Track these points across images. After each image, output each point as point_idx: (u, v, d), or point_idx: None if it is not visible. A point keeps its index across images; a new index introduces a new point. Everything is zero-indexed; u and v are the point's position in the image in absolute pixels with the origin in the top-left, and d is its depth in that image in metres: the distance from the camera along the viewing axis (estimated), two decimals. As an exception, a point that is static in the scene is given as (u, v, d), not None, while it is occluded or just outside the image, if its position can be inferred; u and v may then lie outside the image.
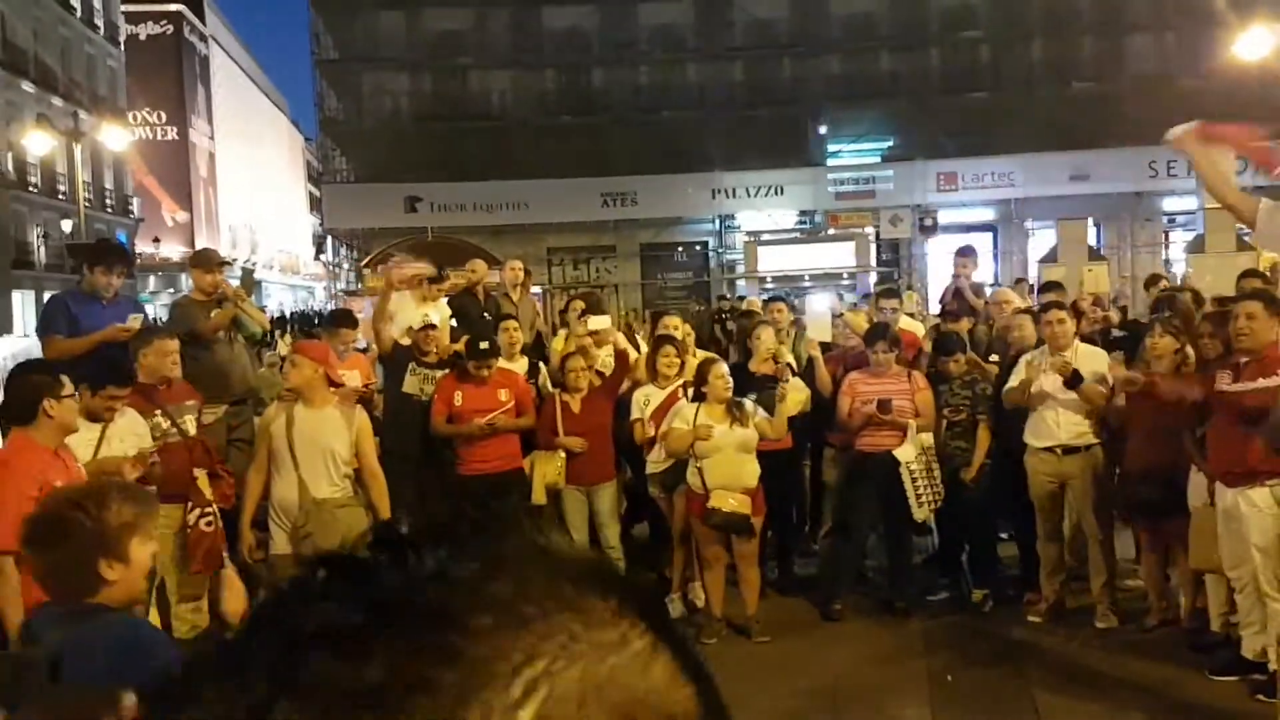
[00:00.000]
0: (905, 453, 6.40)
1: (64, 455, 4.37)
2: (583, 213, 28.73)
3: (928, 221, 27.95)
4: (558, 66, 32.06)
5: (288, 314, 18.63)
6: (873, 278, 24.12)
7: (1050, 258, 17.15)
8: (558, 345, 8.00)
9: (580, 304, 8.19)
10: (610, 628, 0.46)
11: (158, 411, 5.50)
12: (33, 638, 2.57)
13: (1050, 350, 6.46)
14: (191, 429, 5.53)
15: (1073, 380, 6.19)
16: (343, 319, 7.47)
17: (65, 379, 4.36)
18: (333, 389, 5.57)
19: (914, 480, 6.39)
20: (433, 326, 7.38)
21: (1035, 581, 6.74)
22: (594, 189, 28.80)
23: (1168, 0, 28.76)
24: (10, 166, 33.75)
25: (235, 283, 7.02)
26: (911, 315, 9.18)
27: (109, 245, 6.72)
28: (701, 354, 7.15)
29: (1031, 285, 12.68)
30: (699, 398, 6.39)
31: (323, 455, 5.41)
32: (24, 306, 30.94)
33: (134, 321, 5.97)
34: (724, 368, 6.59)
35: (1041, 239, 25.30)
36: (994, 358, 7.16)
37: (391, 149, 30.22)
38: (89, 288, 6.23)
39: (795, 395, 6.89)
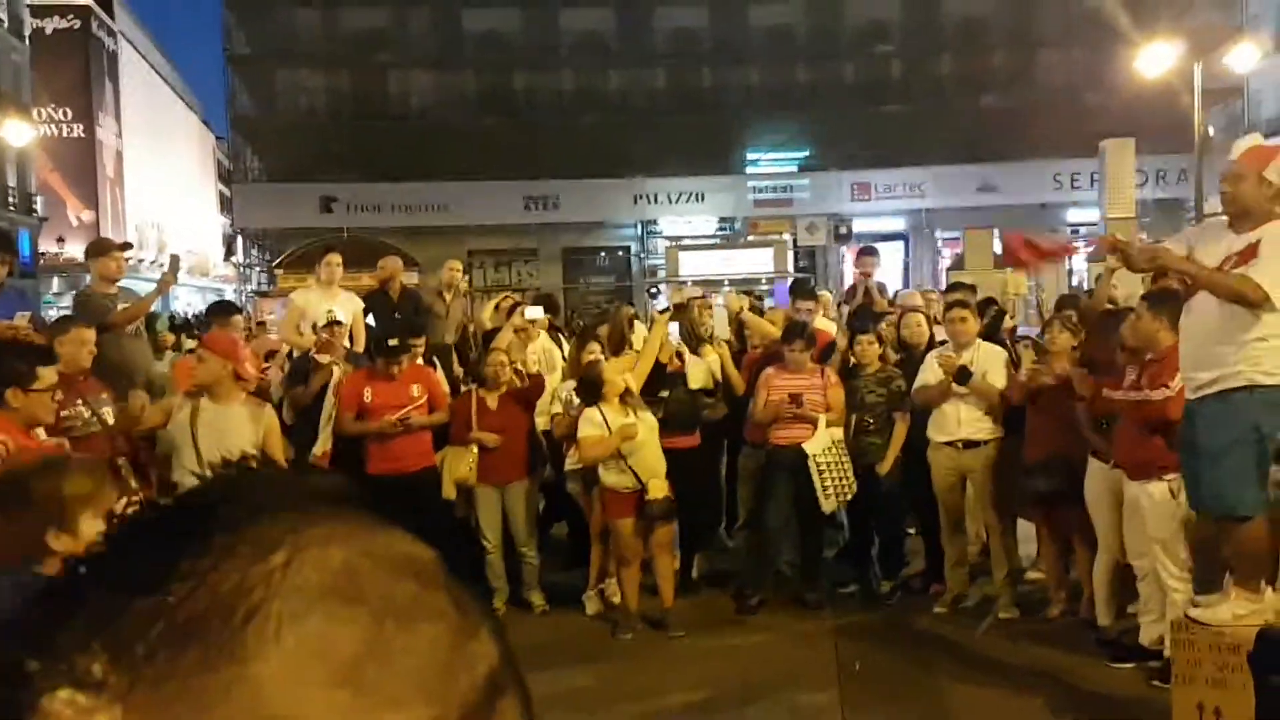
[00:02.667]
0: (813, 445, 6.53)
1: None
2: (505, 215, 28.61)
3: (843, 230, 28.51)
4: (479, 68, 31.86)
5: (191, 317, 18.15)
6: (790, 282, 24.47)
7: (957, 265, 17.60)
8: (487, 313, 7.99)
9: (511, 300, 8.21)
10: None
11: (79, 401, 5.34)
12: None
13: (953, 347, 6.65)
14: (111, 419, 5.38)
15: (960, 376, 6.39)
16: (227, 308, 7.21)
17: (44, 371, 4.25)
18: (240, 383, 5.46)
19: (821, 473, 6.51)
20: (338, 322, 7.26)
21: (940, 574, 6.91)
22: (516, 192, 28.71)
23: (1075, 17, 29.74)
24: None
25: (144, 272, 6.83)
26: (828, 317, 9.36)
27: (-10, 235, 6.47)
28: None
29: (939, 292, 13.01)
30: (594, 400, 6.38)
31: (227, 452, 5.29)
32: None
33: (20, 319, 5.76)
34: (602, 363, 6.68)
35: (949, 246, 25.98)
36: (894, 356, 7.35)
37: (306, 148, 29.68)
38: None
39: (696, 371, 7.10)
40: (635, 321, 8.01)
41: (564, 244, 30.36)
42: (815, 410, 6.59)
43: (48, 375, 4.36)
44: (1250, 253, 4.29)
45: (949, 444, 6.58)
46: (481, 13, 31.49)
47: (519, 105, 31.37)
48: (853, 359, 7.07)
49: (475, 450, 6.81)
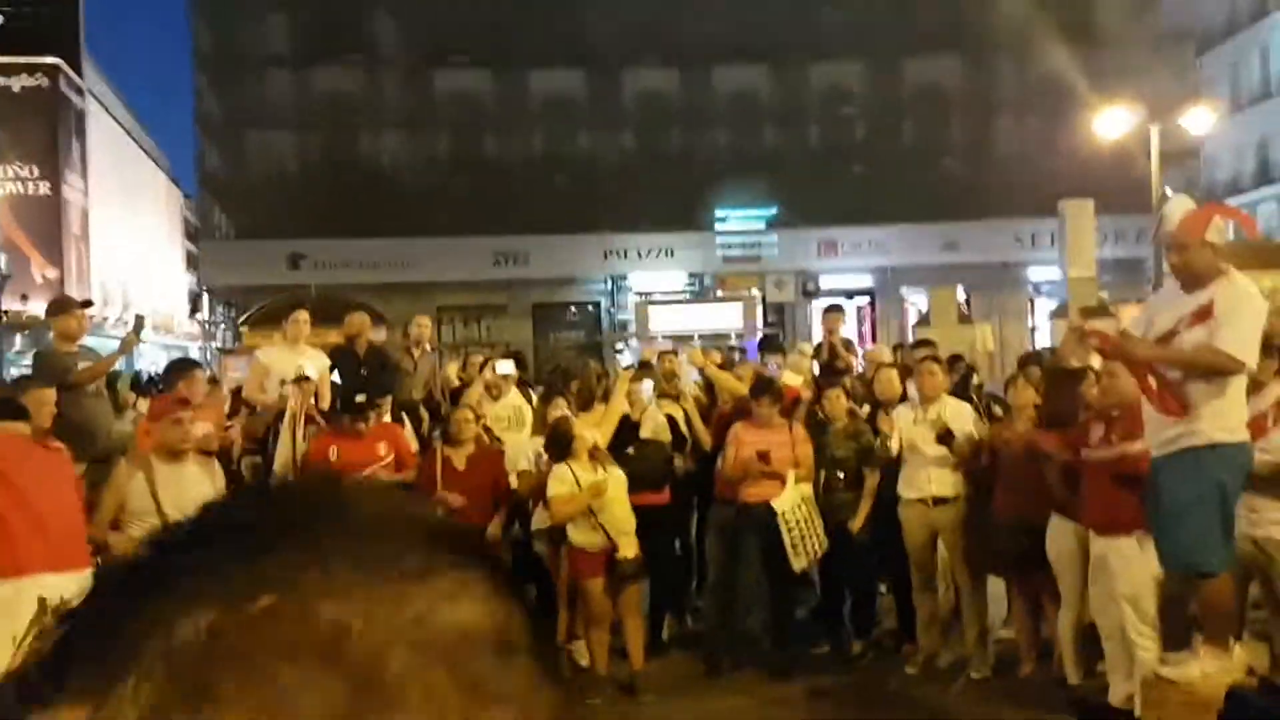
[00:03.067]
0: (782, 502, 6.49)
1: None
2: (474, 271, 28.65)
3: (810, 286, 28.78)
4: (451, 129, 32.10)
5: (152, 375, 17.91)
6: (759, 338, 24.61)
7: (923, 321, 17.79)
8: (453, 371, 7.94)
9: (479, 358, 8.18)
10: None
11: None
12: None
13: (920, 400, 6.67)
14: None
15: (944, 437, 6.39)
16: (185, 365, 7.09)
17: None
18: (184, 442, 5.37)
19: (790, 530, 6.47)
20: (307, 378, 7.20)
21: (913, 632, 6.87)
22: (485, 248, 28.79)
23: (1032, 82, 30.49)
24: None
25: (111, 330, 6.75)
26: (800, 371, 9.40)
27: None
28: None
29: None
30: (561, 456, 6.34)
31: (190, 509, 5.17)
32: None
33: None
34: (571, 419, 6.64)
35: (916, 304, 26.27)
36: (865, 408, 7.36)
37: (275, 205, 29.63)
38: None
39: (648, 423, 7.15)
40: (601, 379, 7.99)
41: (534, 299, 30.40)
42: (783, 466, 6.57)
43: (15, 428, 4.27)
44: (1205, 313, 4.36)
45: (919, 500, 6.58)
46: (452, 74, 31.81)
47: (489, 165, 31.58)
48: (820, 413, 7.07)
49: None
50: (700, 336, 25.09)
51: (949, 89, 32.53)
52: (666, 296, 29.51)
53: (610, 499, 6.23)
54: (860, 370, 8.92)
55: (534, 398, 8.37)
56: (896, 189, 28.97)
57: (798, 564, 6.56)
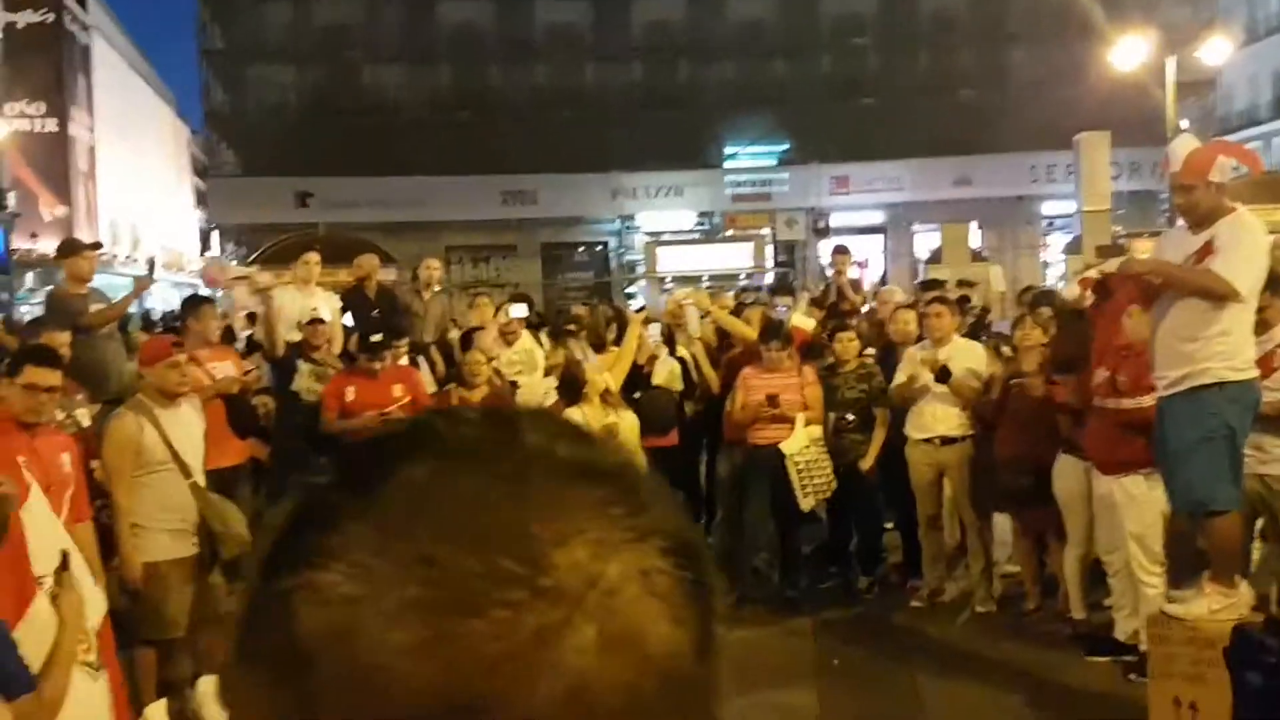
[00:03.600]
0: (791, 445, 6.53)
1: (42, 439, 4.27)
2: (483, 211, 28.50)
3: (821, 224, 28.56)
4: (452, 62, 31.69)
5: (160, 313, 17.94)
6: (769, 278, 24.51)
7: (935, 259, 17.68)
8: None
9: (486, 301, 8.20)
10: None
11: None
12: None
13: (931, 343, 6.68)
14: (85, 421, 5.31)
15: (941, 375, 6.41)
16: (199, 301, 7.09)
17: (30, 369, 4.19)
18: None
19: (800, 472, 6.52)
20: (321, 320, 7.22)
21: (918, 569, 6.95)
22: (494, 187, 28.60)
23: (1047, 12, 29.90)
24: None
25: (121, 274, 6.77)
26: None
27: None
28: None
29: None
30: (575, 400, 6.37)
31: (198, 452, 5.24)
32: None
33: None
34: (582, 363, 6.68)
35: (928, 241, 26.10)
36: (870, 351, 7.36)
37: (280, 142, 29.44)
38: None
39: (660, 369, 7.14)
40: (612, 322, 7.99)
41: (542, 239, 30.28)
42: (792, 410, 6.58)
43: (35, 373, 4.27)
44: (1207, 250, 4.35)
45: (926, 441, 6.61)
46: (455, 6, 31.32)
47: (493, 100, 31.23)
48: (831, 357, 7.08)
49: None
50: (710, 276, 25.10)
51: (963, 18, 31.93)
52: (675, 236, 29.36)
53: (622, 441, 6.28)
54: (869, 308, 8.89)
55: (545, 341, 8.39)
56: (909, 122, 28.61)
57: (806, 504, 6.61)
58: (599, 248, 31.41)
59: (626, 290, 27.04)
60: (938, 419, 6.57)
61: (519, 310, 7.88)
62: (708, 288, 20.42)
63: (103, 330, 6.37)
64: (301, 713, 0.43)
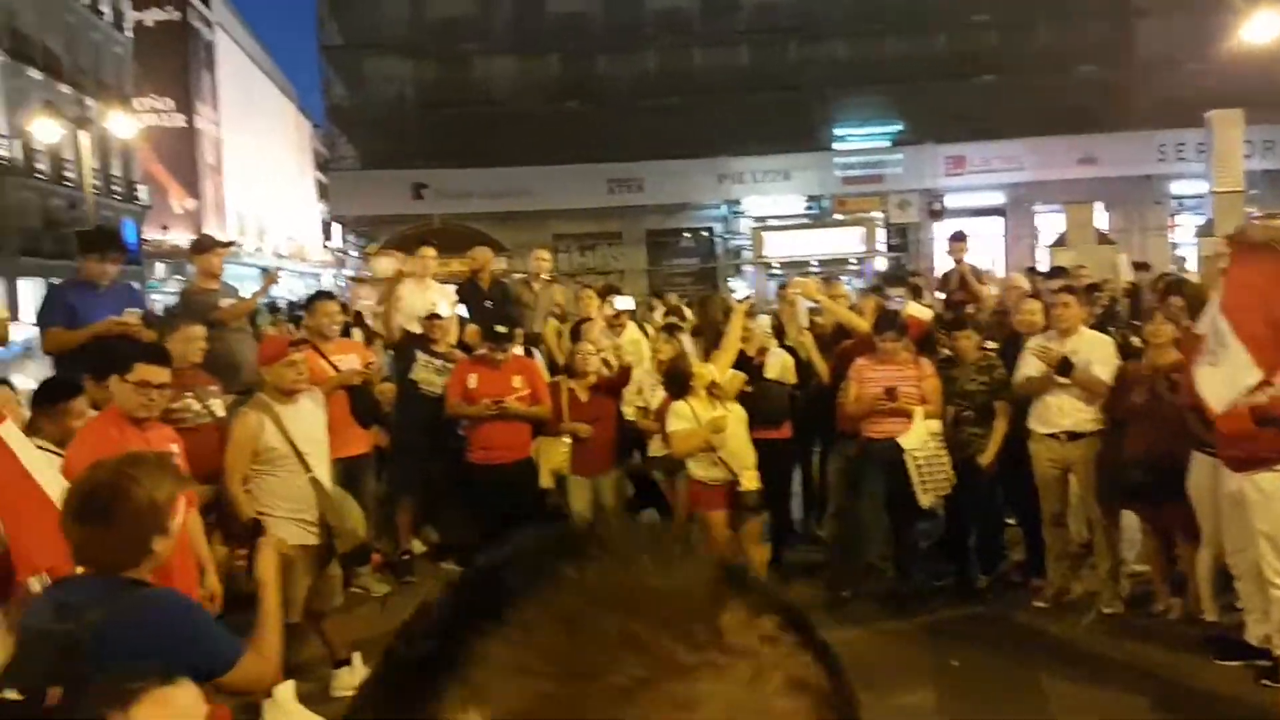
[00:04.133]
0: (910, 440, 6.39)
1: (152, 433, 4.43)
2: (589, 199, 28.68)
3: (936, 206, 27.83)
4: (561, 53, 31.93)
5: (285, 303, 18.63)
6: (881, 263, 24.09)
7: (1059, 242, 17.08)
8: (549, 331, 8.06)
9: (590, 292, 8.26)
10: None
11: (188, 394, 5.53)
12: (66, 611, 2.47)
13: (1056, 334, 6.46)
14: (220, 411, 5.55)
15: (1062, 368, 6.19)
16: (321, 296, 7.31)
17: (140, 367, 4.39)
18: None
19: (919, 467, 6.38)
20: (439, 316, 7.40)
21: (1041, 567, 6.75)
22: (600, 175, 28.75)
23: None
24: (19, 154, 33.82)
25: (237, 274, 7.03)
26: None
27: (102, 232, 6.75)
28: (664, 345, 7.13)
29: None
30: (682, 393, 6.36)
31: (319, 447, 5.40)
32: (34, 294, 31.04)
33: (129, 316, 5.96)
34: (688, 355, 6.67)
35: (1050, 223, 25.22)
36: (991, 344, 7.15)
37: (397, 135, 30.15)
38: (85, 276, 6.24)
39: (773, 362, 7.05)
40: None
41: (648, 226, 30.31)
42: (910, 403, 6.45)
43: (145, 370, 4.45)
44: None
45: (1051, 436, 6.40)
46: (564, -4, 31.59)
47: (601, 88, 31.37)
48: (947, 349, 6.91)
49: (568, 441, 6.89)
50: (819, 261, 24.76)
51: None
52: (783, 221, 29.05)
53: (730, 434, 6.25)
54: (991, 295, 8.63)
55: (650, 330, 8.42)
56: (1029, 99, 27.65)
57: (925, 501, 6.47)
58: (704, 233, 31.29)
59: (729, 278, 26.88)
60: (1064, 413, 6.36)
61: (625, 301, 7.91)
62: (816, 273, 20.21)
63: (235, 325, 6.65)
64: None
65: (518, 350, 7.38)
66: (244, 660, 2.63)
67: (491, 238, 17.16)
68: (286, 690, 5.24)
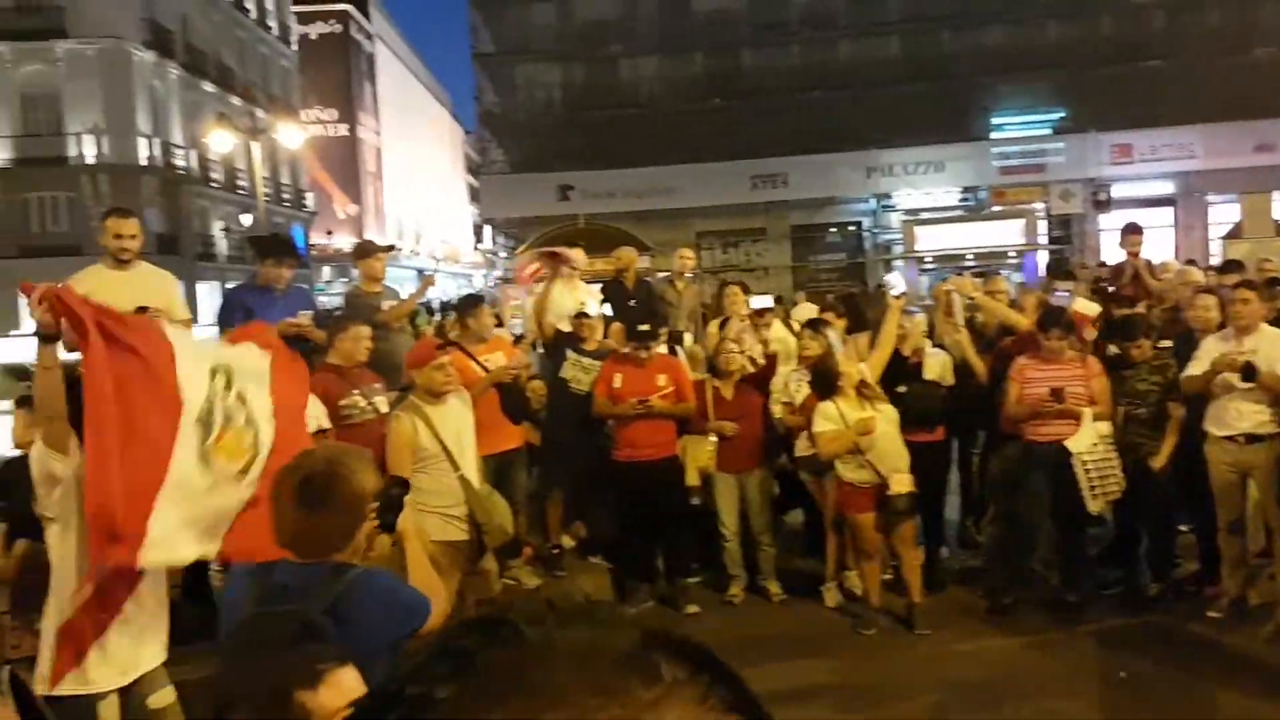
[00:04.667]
0: (1078, 443, 6.08)
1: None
2: (732, 196, 28.59)
3: (1101, 196, 26.53)
4: (706, 50, 31.92)
5: (438, 304, 19.41)
6: (1042, 256, 23.13)
7: (1234, 233, 16.04)
8: (713, 330, 8.02)
9: (737, 289, 8.21)
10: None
11: (355, 391, 5.78)
12: (289, 594, 2.59)
13: (1235, 332, 6.07)
14: (384, 408, 5.77)
15: (1247, 373, 5.79)
16: (472, 302, 7.50)
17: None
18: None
19: (1088, 472, 6.07)
20: (587, 315, 7.49)
21: (1216, 575, 6.35)
22: (743, 172, 28.61)
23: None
24: (195, 164, 36.07)
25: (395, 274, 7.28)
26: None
27: (278, 239, 7.08)
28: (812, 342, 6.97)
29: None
30: (829, 393, 6.23)
31: (467, 446, 5.54)
32: (210, 297, 33.05)
33: (303, 317, 6.25)
34: (836, 355, 6.51)
35: (1223, 213, 23.71)
36: (1165, 343, 6.75)
37: (545, 139, 30.76)
38: (262, 280, 6.57)
39: (932, 363, 6.87)
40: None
41: (793, 222, 29.98)
42: (1078, 404, 6.15)
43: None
44: None
45: (1229, 439, 6.02)
46: (710, -6, 31.56)
47: (745, 84, 31.19)
48: (1118, 350, 6.55)
49: (714, 439, 6.88)
50: (974, 256, 23.94)
51: (1262, -34, 28.66)
52: (935, 214, 28.25)
53: (880, 435, 6.10)
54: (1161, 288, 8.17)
55: (795, 327, 8.31)
56: (1201, 84, 26.06)
57: (1094, 507, 6.16)
58: (852, 228, 30.72)
59: (878, 274, 26.28)
60: (1242, 415, 5.97)
61: (764, 301, 7.82)
62: (972, 268, 19.53)
63: (398, 326, 6.91)
64: None
65: (661, 349, 7.40)
66: (432, 608, 2.80)
67: (635, 237, 17.26)
68: None
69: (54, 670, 3.41)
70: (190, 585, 5.56)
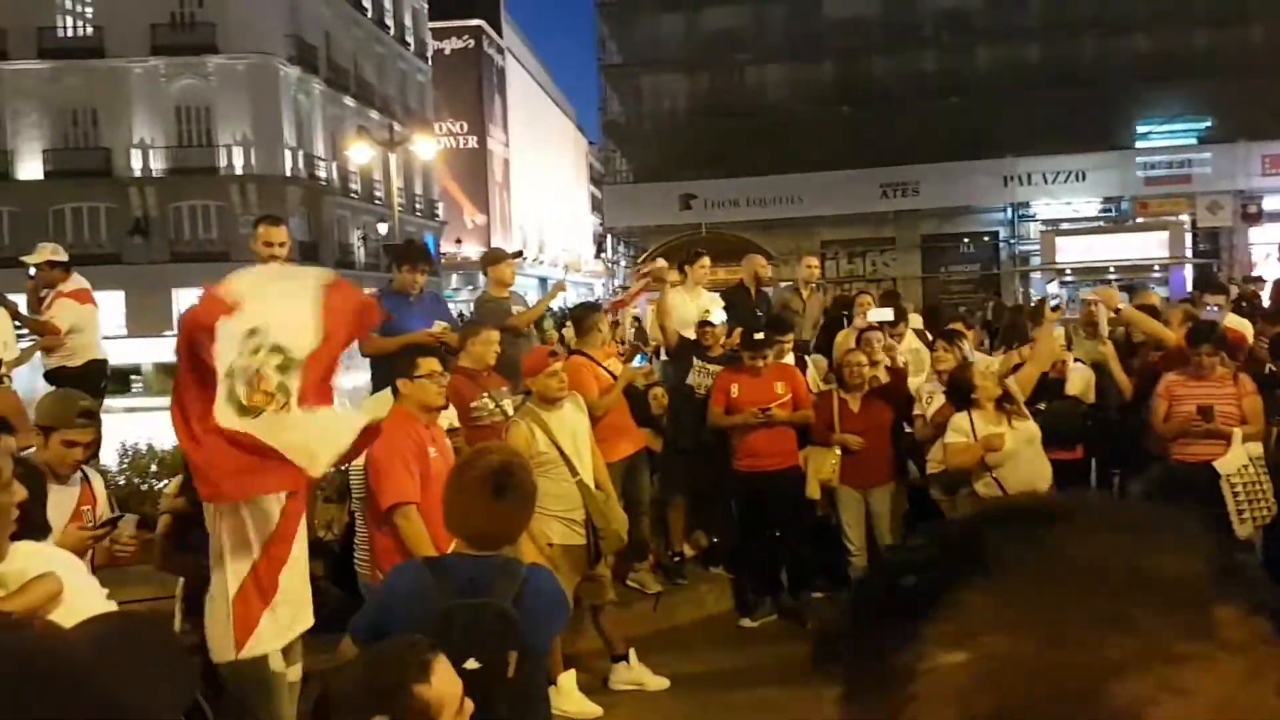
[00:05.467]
0: (1227, 464, 5.74)
1: (434, 429, 4.83)
2: (859, 204, 28.16)
3: (1252, 208, 25.17)
4: (836, 57, 31.54)
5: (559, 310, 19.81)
6: (1189, 270, 22.07)
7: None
8: (840, 340, 7.88)
9: (868, 298, 8.05)
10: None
11: (484, 394, 5.90)
12: (477, 587, 2.73)
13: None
14: (510, 410, 5.87)
15: None
16: (591, 309, 7.52)
17: (423, 361, 4.79)
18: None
19: (1236, 495, 5.73)
20: (710, 323, 7.44)
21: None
22: (872, 180, 28.15)
23: None
24: (335, 175, 37.52)
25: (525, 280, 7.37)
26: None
27: (414, 246, 7.28)
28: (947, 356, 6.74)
29: None
30: (965, 405, 6.02)
31: (586, 451, 5.56)
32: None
33: (438, 328, 6.38)
34: (982, 366, 6.26)
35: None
36: None
37: (668, 148, 30.91)
38: (398, 286, 6.74)
39: (1075, 378, 6.62)
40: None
41: (923, 231, 29.34)
42: (1229, 424, 5.82)
43: (426, 363, 4.79)
44: None
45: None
46: (842, 2, 31.17)
47: (876, 91, 30.69)
48: (1272, 366, 6.18)
49: (838, 451, 6.74)
50: (1116, 268, 23.00)
51: None
52: (1076, 225, 27.24)
53: (1009, 452, 5.85)
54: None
55: (930, 339, 8.09)
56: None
57: (1243, 531, 5.81)
58: (986, 238, 29.86)
59: (1035, 285, 25.43)
60: None
61: (883, 314, 7.59)
62: (1115, 280, 18.77)
63: (526, 330, 7.00)
64: None
65: (789, 359, 7.29)
66: None
67: (757, 245, 17.14)
68: (568, 679, 5.45)
69: (236, 639, 3.72)
70: (333, 573, 5.74)
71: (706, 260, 8.18)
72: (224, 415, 3.54)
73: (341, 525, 6.12)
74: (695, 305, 7.75)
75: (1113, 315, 7.14)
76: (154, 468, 7.66)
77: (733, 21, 32.08)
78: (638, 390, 6.82)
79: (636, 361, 6.71)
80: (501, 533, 2.81)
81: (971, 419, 5.96)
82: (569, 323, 7.72)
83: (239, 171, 34.02)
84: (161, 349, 14.72)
